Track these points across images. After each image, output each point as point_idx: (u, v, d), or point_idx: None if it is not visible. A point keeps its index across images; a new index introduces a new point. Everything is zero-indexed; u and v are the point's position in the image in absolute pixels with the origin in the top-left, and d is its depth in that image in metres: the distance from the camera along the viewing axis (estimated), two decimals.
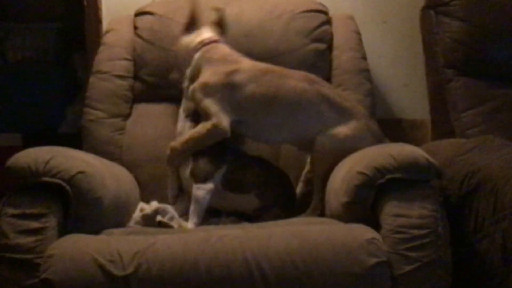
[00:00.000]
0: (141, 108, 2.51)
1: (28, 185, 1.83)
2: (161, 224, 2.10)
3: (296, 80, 2.20)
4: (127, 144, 2.43)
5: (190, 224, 2.13)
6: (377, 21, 2.75)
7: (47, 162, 1.83)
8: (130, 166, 2.38)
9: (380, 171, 1.82)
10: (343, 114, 2.19)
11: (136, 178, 2.37)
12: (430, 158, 1.85)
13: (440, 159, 2.02)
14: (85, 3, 2.72)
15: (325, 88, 2.24)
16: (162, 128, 2.45)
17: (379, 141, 2.19)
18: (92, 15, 2.71)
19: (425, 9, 2.55)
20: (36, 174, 1.82)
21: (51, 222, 1.81)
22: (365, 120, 2.22)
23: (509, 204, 1.78)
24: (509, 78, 2.43)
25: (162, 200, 2.30)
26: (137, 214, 2.18)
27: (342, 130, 2.15)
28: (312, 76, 2.27)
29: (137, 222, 2.15)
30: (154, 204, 2.22)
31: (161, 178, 2.34)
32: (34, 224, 1.79)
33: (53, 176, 1.82)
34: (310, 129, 2.16)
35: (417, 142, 2.46)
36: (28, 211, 1.80)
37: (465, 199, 1.95)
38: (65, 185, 1.82)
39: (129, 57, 2.53)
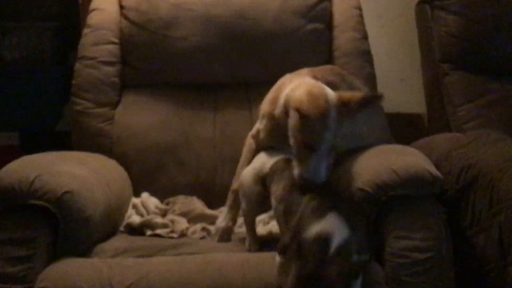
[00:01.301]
0: (131, 96, 2.37)
1: (13, 207, 1.73)
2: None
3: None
4: (117, 135, 2.31)
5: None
6: (372, 16, 2.72)
7: (31, 182, 1.71)
8: (121, 158, 2.27)
9: (382, 188, 1.71)
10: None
11: (127, 170, 2.25)
12: (433, 170, 1.75)
13: (436, 153, 2.04)
14: (80, 1, 2.71)
15: (355, 81, 2.14)
16: (153, 117, 2.33)
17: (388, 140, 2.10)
18: (87, 14, 2.70)
19: (420, 3, 2.53)
20: (21, 196, 1.71)
21: (40, 247, 1.71)
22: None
23: (505, 197, 1.77)
24: (505, 72, 2.41)
25: (153, 192, 2.23)
26: (130, 213, 2.11)
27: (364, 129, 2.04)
28: (337, 69, 2.16)
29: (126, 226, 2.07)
30: (143, 200, 2.16)
31: (153, 170, 2.27)
32: (22, 251, 1.69)
33: (39, 197, 1.71)
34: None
35: (413, 137, 2.47)
36: (15, 235, 1.70)
37: (462, 193, 1.93)
38: (52, 208, 1.72)
39: (115, 40, 2.38)
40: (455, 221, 1.92)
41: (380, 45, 2.73)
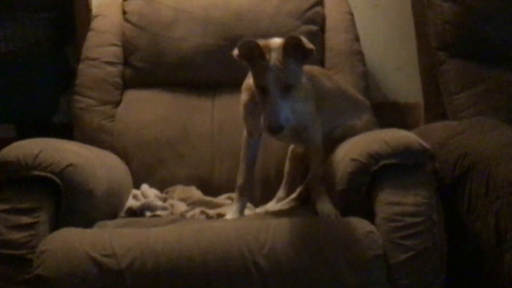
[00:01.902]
0: (132, 95, 2.47)
1: (18, 179, 1.80)
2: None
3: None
4: (118, 132, 2.40)
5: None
6: (369, 4, 2.74)
7: (36, 156, 1.80)
8: (121, 154, 2.35)
9: (374, 157, 1.80)
10: (356, 107, 2.20)
11: (127, 164, 2.34)
12: (424, 142, 1.83)
13: (433, 141, 2.04)
14: None
15: (341, 82, 2.24)
16: (153, 114, 2.42)
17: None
18: (82, 4, 2.69)
19: None
20: (26, 167, 1.79)
21: (43, 216, 1.78)
22: (372, 113, 2.24)
23: (502, 184, 1.79)
24: (501, 59, 2.41)
25: (152, 185, 2.29)
26: (130, 202, 2.16)
27: (358, 122, 2.14)
28: (323, 70, 2.24)
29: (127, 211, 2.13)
30: (143, 190, 2.21)
31: (152, 164, 2.34)
32: (26, 219, 1.76)
33: (43, 169, 1.79)
34: (332, 123, 2.10)
35: (410, 125, 2.48)
36: (19, 205, 1.77)
37: (458, 180, 1.96)
38: (55, 179, 1.79)
39: (118, 42, 2.49)
40: (451, 208, 1.92)
41: (376, 34, 2.75)
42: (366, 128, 2.12)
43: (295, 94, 1.81)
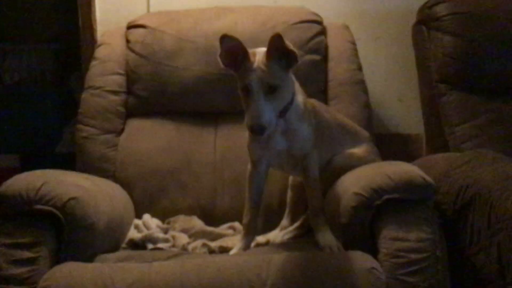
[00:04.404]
0: (135, 123, 2.46)
1: (20, 212, 1.79)
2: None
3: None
4: (121, 160, 2.39)
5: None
6: (370, 37, 2.75)
7: (38, 189, 1.79)
8: (123, 183, 2.34)
9: (377, 191, 1.78)
10: (354, 138, 2.19)
11: (129, 194, 2.32)
12: (427, 177, 1.81)
13: (434, 173, 2.04)
14: (80, 24, 2.74)
15: (338, 115, 2.25)
16: (156, 143, 2.41)
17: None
18: (87, 36, 2.70)
19: (417, 24, 2.56)
20: (28, 201, 1.77)
21: (44, 251, 1.77)
22: (372, 143, 2.24)
23: (504, 217, 1.78)
24: (501, 91, 2.42)
25: (154, 215, 2.28)
26: (131, 233, 2.15)
27: (357, 151, 2.14)
28: (321, 103, 2.24)
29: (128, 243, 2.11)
30: (145, 221, 2.20)
31: (155, 193, 2.33)
32: (27, 254, 1.75)
33: (45, 203, 1.78)
34: (329, 153, 2.10)
35: (412, 156, 2.48)
36: (20, 240, 1.76)
37: (460, 212, 1.95)
38: (57, 213, 1.78)
39: (121, 71, 2.48)
40: (454, 240, 1.91)
41: (377, 66, 2.75)
42: (366, 157, 2.11)
43: (279, 97, 1.81)
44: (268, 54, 1.79)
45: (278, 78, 1.81)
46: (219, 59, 1.87)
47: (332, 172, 2.06)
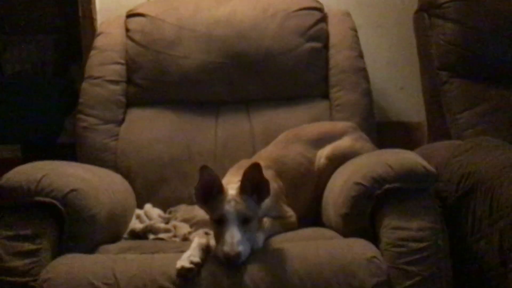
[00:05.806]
0: (135, 113, 2.45)
1: (21, 204, 1.78)
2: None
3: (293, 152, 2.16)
4: (121, 150, 2.38)
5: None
6: (371, 25, 2.75)
7: (39, 181, 1.78)
8: (124, 173, 2.34)
9: (378, 181, 1.77)
10: (333, 138, 2.17)
11: (131, 183, 2.32)
12: (428, 165, 1.80)
13: (435, 161, 2.04)
14: (80, 13, 2.73)
15: (300, 130, 2.23)
16: (157, 132, 2.40)
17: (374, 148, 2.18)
18: (87, 25, 2.69)
19: (418, 12, 2.56)
20: (29, 193, 1.77)
21: (45, 243, 1.76)
22: (356, 132, 2.22)
23: (505, 204, 1.78)
24: (503, 78, 2.43)
25: (155, 204, 2.27)
26: (133, 223, 2.15)
27: (340, 143, 2.14)
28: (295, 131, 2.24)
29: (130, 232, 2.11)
30: (146, 211, 2.19)
31: (156, 183, 2.32)
32: (28, 246, 1.74)
33: (46, 195, 1.77)
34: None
35: (413, 145, 2.47)
36: (21, 232, 1.75)
37: (462, 200, 1.95)
38: (58, 204, 1.78)
39: (121, 60, 2.47)
40: (455, 228, 1.91)
41: (379, 54, 2.75)
42: (354, 146, 2.11)
43: (253, 228, 1.79)
44: (242, 187, 1.79)
45: (252, 211, 1.80)
46: (193, 192, 1.83)
47: (328, 164, 2.10)
